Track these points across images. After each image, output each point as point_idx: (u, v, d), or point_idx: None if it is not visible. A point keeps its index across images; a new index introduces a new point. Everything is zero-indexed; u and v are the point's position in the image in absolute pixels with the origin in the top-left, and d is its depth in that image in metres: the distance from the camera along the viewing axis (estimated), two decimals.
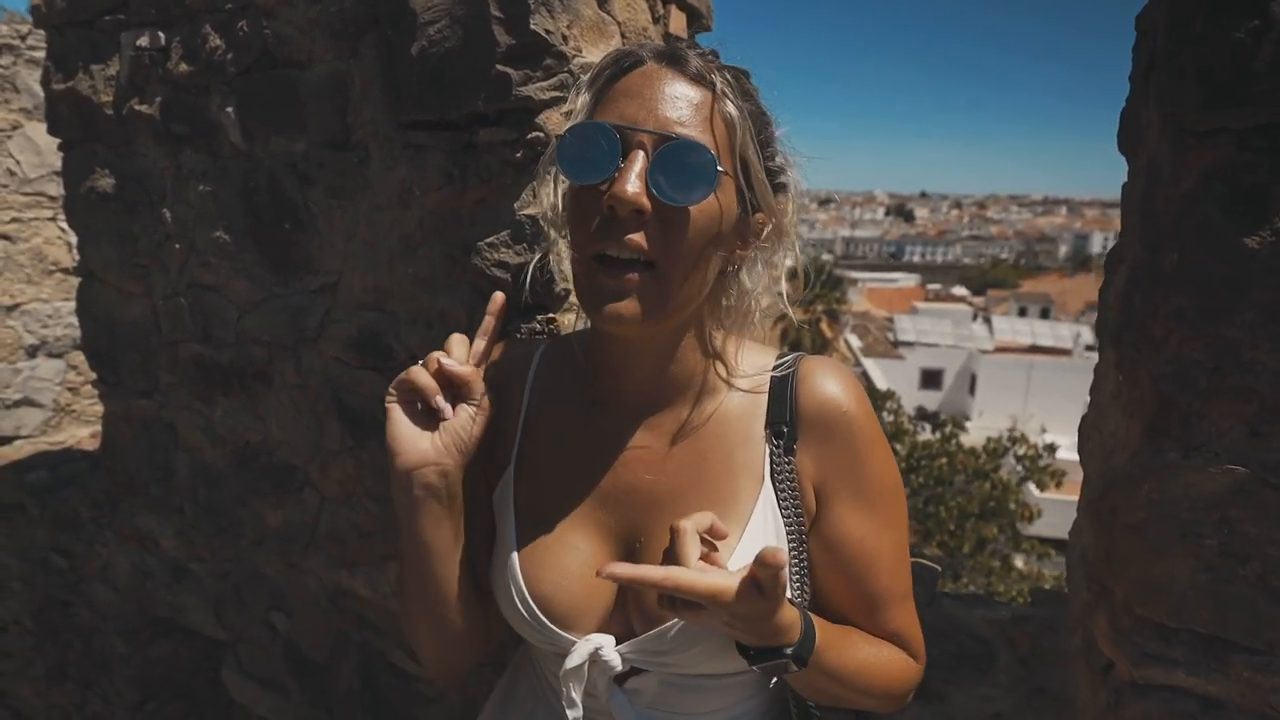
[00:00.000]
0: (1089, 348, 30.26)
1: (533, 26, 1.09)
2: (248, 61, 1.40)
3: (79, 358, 2.77)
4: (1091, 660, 0.96)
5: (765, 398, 0.83)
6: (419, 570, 0.81)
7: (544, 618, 0.79)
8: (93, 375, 1.97)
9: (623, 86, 0.74)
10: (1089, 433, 1.26)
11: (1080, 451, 1.36)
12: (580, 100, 0.77)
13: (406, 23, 1.19)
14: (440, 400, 0.79)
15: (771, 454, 0.81)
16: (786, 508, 0.80)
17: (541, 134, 1.13)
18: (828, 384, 0.82)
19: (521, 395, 0.89)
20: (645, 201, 0.69)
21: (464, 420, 0.79)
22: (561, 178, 0.81)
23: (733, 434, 0.82)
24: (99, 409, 2.80)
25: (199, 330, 1.62)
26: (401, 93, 1.22)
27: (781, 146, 0.81)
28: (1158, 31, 1.04)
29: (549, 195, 0.83)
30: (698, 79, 0.73)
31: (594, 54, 1.17)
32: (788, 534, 0.80)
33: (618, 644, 0.79)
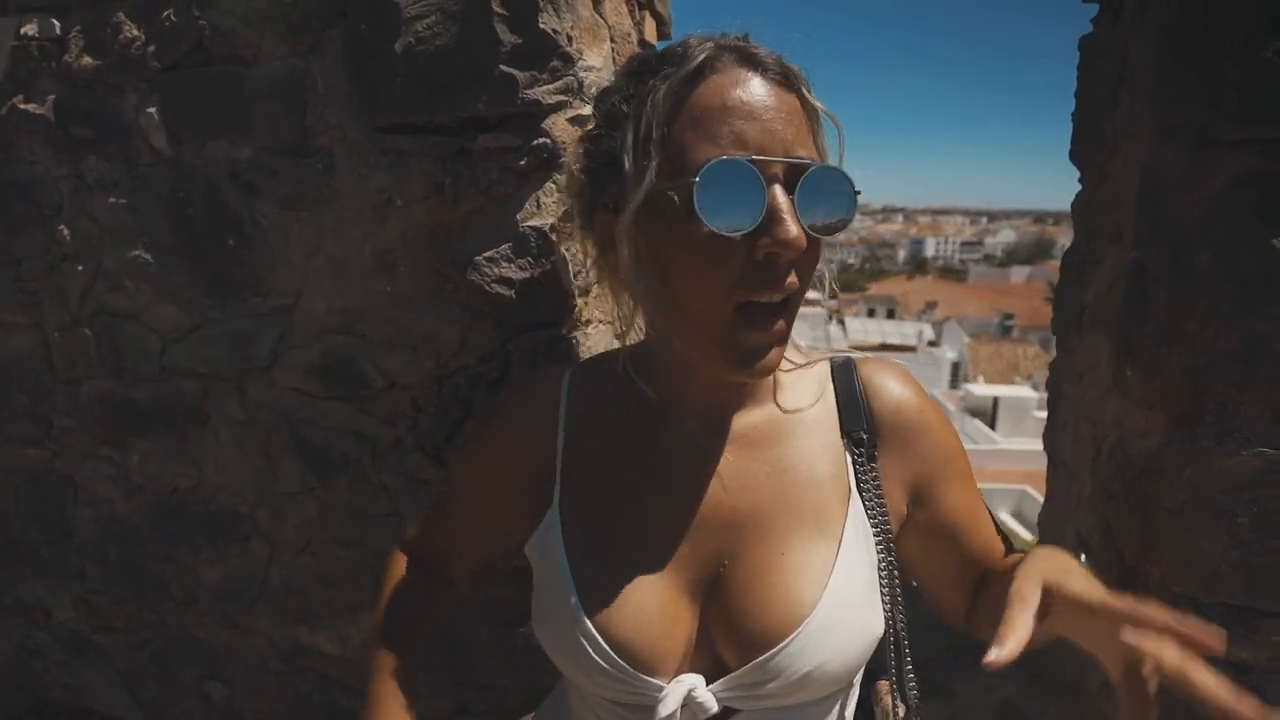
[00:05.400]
0: (931, 343, 33.00)
1: (541, 25, 1.02)
2: (176, 56, 1.23)
3: None
4: None
5: (831, 402, 0.80)
6: None
7: (626, 664, 0.71)
8: None
9: (717, 103, 0.65)
10: (1069, 424, 1.34)
11: (1051, 443, 1.45)
12: (654, 120, 0.66)
13: (385, 17, 1.08)
14: None
15: (855, 463, 0.78)
16: (874, 517, 0.77)
17: (548, 140, 1.06)
18: (896, 386, 0.80)
19: (555, 428, 0.80)
20: (805, 244, 0.64)
21: None
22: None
23: (809, 444, 0.78)
24: None
25: (109, 364, 1.40)
26: (379, 94, 1.11)
27: None
28: (1130, 51, 1.12)
29: (628, 245, 0.68)
30: (784, 81, 0.67)
31: (593, 58, 1.12)
32: (876, 544, 0.77)
33: (708, 683, 0.72)
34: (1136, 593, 0.99)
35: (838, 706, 0.79)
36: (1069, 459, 1.31)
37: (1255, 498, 0.87)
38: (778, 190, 0.64)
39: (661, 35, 1.50)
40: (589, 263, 0.85)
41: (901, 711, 0.81)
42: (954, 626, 0.90)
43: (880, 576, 0.77)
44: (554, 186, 1.09)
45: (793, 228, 0.63)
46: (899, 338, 33.91)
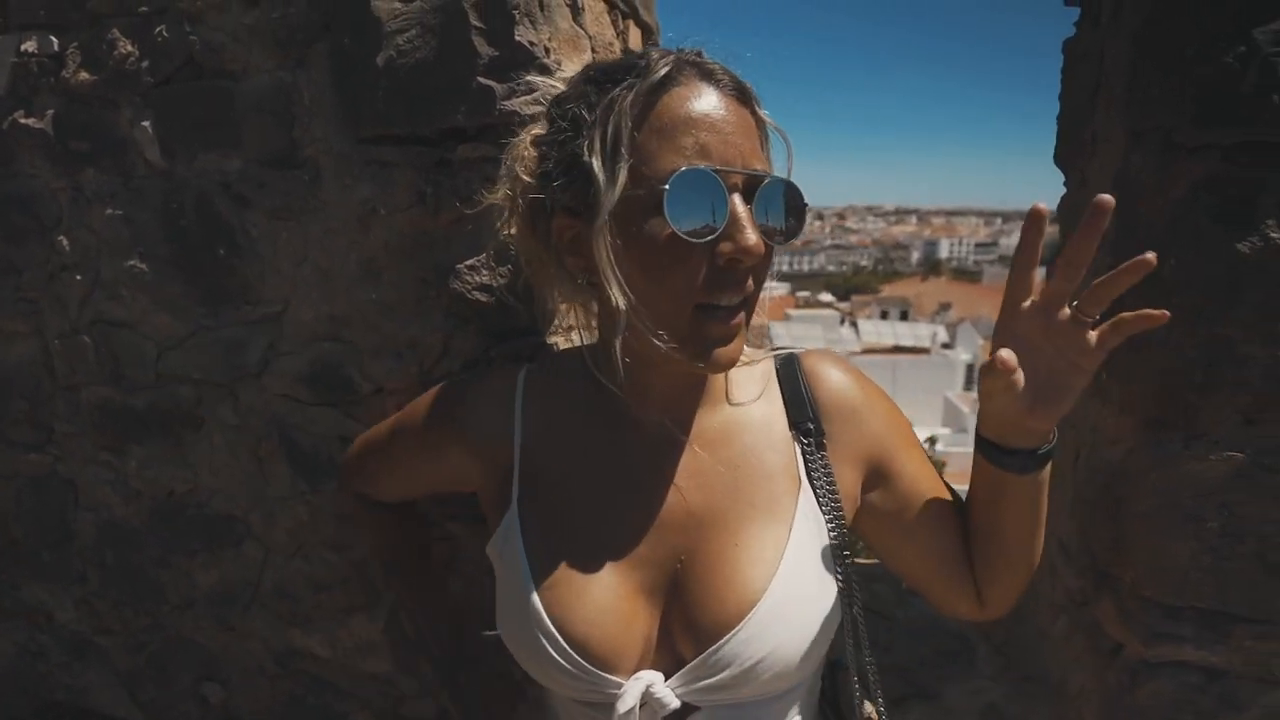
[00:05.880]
0: (945, 345, 32.76)
1: (517, 38, 1.04)
2: (168, 71, 1.26)
3: None
4: (1097, 644, 1.02)
5: (778, 397, 0.83)
6: None
7: (585, 662, 0.73)
8: None
9: (681, 114, 0.67)
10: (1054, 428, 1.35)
11: None
12: (621, 128, 0.67)
13: (368, 31, 1.10)
14: None
15: (804, 453, 0.80)
16: (826, 506, 0.78)
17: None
18: (835, 373, 0.83)
19: (511, 429, 0.82)
20: (764, 250, 0.68)
21: None
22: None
23: (759, 438, 0.80)
24: None
25: (107, 371, 1.43)
26: (362, 106, 1.13)
27: None
28: (1105, 57, 1.12)
29: (605, 246, 0.68)
30: (739, 96, 0.70)
31: (572, 69, 1.13)
32: (829, 533, 0.78)
33: (666, 680, 0.73)
34: (1109, 597, 1.00)
35: (796, 706, 0.80)
36: (1056, 463, 1.31)
37: (1224, 502, 0.87)
38: (737, 199, 0.67)
39: (649, 43, 1.52)
40: (528, 264, 0.86)
41: (866, 702, 0.81)
42: (975, 618, 0.87)
43: (835, 564, 0.78)
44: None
45: (752, 235, 0.66)
46: (912, 339, 33.72)
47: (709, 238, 0.66)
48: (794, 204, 0.70)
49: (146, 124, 1.29)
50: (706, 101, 0.68)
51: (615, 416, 0.79)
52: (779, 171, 0.73)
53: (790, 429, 0.80)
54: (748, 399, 0.81)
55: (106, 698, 1.68)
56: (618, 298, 0.68)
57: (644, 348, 0.71)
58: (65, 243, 1.40)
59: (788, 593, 0.72)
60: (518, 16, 1.03)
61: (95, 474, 1.52)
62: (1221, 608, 0.90)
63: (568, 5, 1.13)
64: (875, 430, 0.81)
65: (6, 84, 1.38)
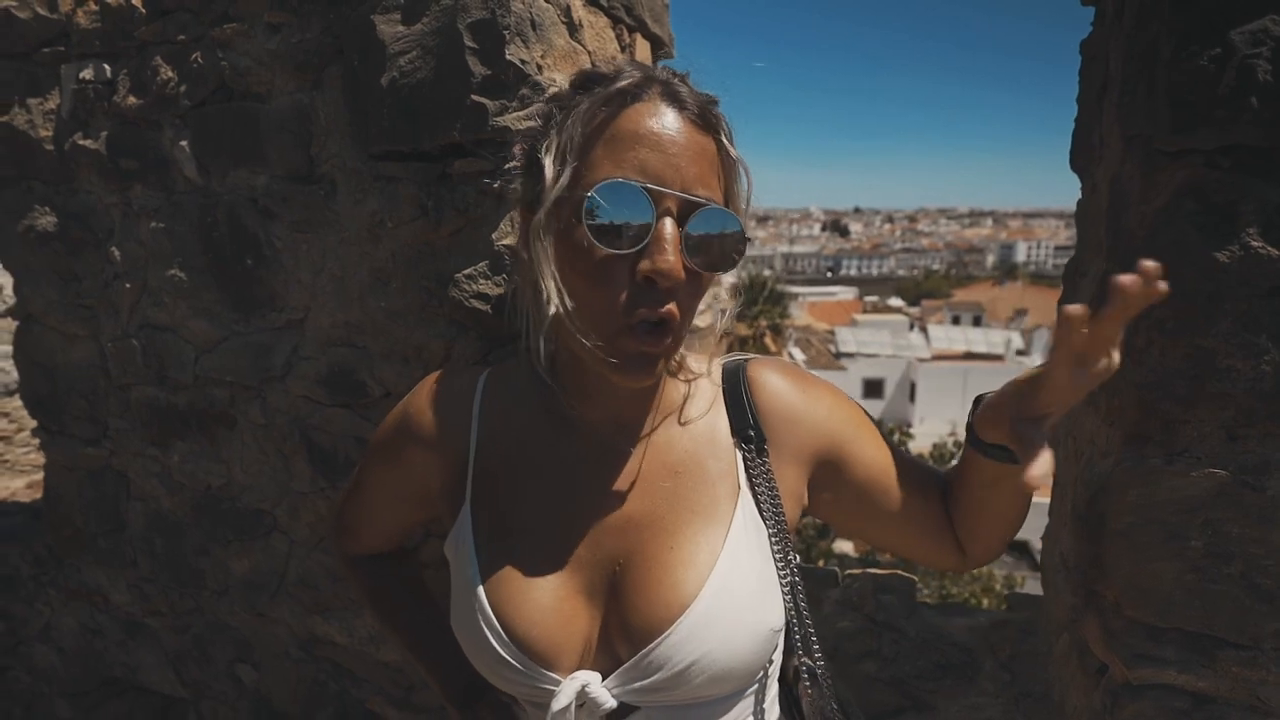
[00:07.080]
0: (1020, 352, 31.47)
1: (508, 56, 1.08)
2: (203, 94, 1.35)
3: (10, 404, 2.61)
4: (1085, 664, 0.99)
5: (722, 405, 0.84)
6: None
7: (527, 658, 0.75)
8: (27, 423, 1.86)
9: (630, 129, 0.69)
10: (1059, 439, 1.31)
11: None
12: (574, 133, 0.71)
13: (374, 54, 1.17)
14: None
15: (745, 460, 0.81)
16: (767, 512, 0.79)
17: (518, 164, 1.12)
18: (775, 378, 0.84)
19: (468, 428, 0.85)
20: (683, 274, 0.68)
21: None
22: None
23: (701, 446, 0.82)
24: (35, 458, 2.65)
25: (153, 372, 1.55)
26: (370, 124, 1.20)
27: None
28: (1110, 58, 1.09)
29: (542, 242, 0.72)
30: (702, 123, 0.71)
31: (567, 83, 1.17)
32: (771, 539, 0.79)
33: (604, 680, 0.75)
34: (1095, 615, 0.97)
35: (744, 709, 0.80)
36: (1061, 475, 1.27)
37: (1208, 520, 0.84)
38: (667, 221, 0.68)
39: (661, 56, 1.54)
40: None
41: (823, 706, 0.81)
42: (959, 570, 0.92)
43: (778, 569, 0.79)
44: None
45: (670, 256, 0.67)
46: (985, 346, 32.53)
47: (625, 251, 0.67)
48: (730, 236, 0.71)
49: (185, 143, 1.39)
50: (660, 121, 0.69)
51: (562, 419, 0.82)
52: (741, 205, 0.75)
53: (733, 436, 0.82)
54: (695, 407, 0.83)
55: (156, 676, 1.80)
56: (549, 291, 0.71)
57: (580, 350, 0.72)
58: (117, 254, 1.52)
59: (722, 597, 0.73)
60: (509, 36, 1.07)
61: (144, 467, 1.63)
62: (1206, 631, 0.86)
63: (563, 22, 1.17)
64: (819, 429, 0.82)
65: (69, 108, 1.51)
